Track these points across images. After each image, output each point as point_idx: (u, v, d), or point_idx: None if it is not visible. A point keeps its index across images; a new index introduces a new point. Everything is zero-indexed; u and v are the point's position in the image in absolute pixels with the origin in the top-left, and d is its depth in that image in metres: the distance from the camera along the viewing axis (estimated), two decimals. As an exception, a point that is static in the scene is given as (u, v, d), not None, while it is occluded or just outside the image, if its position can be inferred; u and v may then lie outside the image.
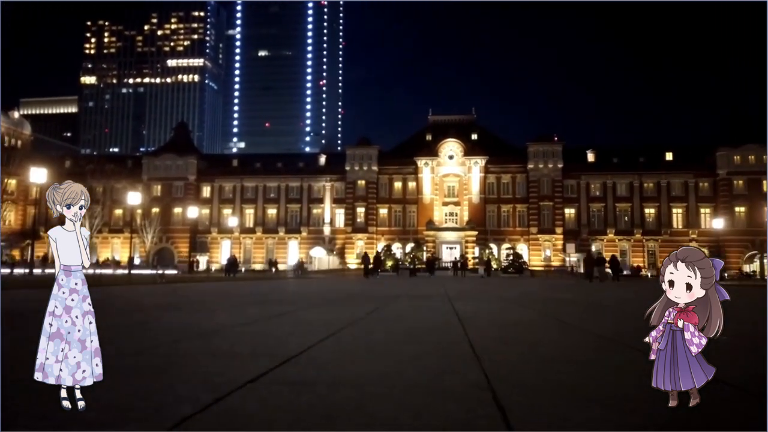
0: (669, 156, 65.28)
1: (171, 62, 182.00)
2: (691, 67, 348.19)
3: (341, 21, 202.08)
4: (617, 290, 16.84)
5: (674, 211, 64.12)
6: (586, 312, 7.43)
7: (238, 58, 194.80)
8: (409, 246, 63.60)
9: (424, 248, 63.70)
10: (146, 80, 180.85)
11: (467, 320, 5.14)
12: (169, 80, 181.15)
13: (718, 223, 55.36)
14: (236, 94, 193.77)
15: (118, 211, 68.21)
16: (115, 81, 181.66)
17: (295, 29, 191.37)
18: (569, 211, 65.63)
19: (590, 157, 66.81)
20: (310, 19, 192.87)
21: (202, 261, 67.71)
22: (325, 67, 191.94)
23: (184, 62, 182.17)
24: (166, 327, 4.23)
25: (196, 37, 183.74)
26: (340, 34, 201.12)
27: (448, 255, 62.67)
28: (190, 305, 7.78)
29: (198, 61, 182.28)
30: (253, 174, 71.05)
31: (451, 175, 67.48)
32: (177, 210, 68.68)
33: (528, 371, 2.47)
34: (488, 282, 24.68)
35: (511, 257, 57.19)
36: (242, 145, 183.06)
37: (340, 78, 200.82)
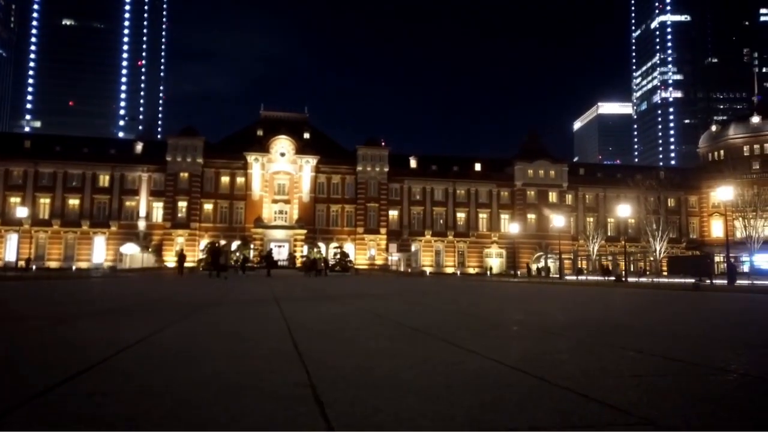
0: (477, 167, 73.28)
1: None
2: (501, 89, 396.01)
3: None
4: (431, 285, 18.39)
5: (480, 216, 72.13)
6: (401, 306, 7.95)
7: (35, 23, 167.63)
8: (236, 243, 61.37)
9: (252, 246, 62.05)
10: None
11: (291, 318, 5.15)
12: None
13: (514, 228, 63.73)
14: (32, 65, 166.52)
15: None
16: None
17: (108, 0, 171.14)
18: (393, 213, 69.69)
19: (413, 163, 71.82)
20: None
21: (-21, 258, 57.15)
22: (144, 46, 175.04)
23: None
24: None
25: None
26: (164, 13, 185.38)
27: (277, 253, 62.00)
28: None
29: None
30: (51, 158, 61.91)
31: (282, 173, 66.78)
32: (-56, 196, 56.89)
33: (348, 366, 2.57)
34: (315, 281, 25.07)
35: (338, 256, 58.91)
36: (38, 124, 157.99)
37: (162, 60, 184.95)
